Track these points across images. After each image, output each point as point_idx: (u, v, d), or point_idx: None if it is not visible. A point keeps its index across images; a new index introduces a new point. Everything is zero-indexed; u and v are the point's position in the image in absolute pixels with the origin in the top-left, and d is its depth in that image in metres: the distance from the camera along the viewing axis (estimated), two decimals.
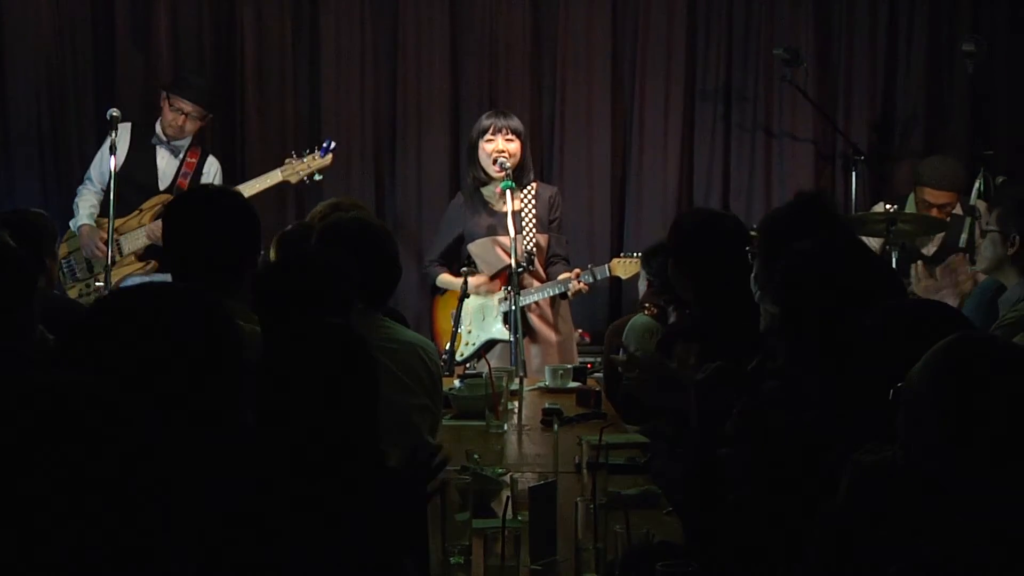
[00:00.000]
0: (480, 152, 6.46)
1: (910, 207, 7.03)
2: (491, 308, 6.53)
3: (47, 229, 5.21)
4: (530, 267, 6.44)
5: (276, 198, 7.45)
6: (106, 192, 6.50)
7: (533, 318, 6.53)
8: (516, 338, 6.06)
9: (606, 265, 6.50)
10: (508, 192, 6.24)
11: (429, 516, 3.34)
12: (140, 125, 6.99)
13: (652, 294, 5.45)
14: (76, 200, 6.91)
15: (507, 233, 6.18)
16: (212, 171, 7.07)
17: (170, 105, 6.90)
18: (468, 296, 6.21)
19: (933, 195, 6.93)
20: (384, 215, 7.81)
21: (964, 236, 6.55)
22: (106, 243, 6.47)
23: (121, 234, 6.72)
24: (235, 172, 7.63)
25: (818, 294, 3.21)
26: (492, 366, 5.78)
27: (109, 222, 6.26)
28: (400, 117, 7.81)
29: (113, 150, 6.35)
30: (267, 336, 3.56)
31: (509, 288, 6.08)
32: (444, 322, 6.56)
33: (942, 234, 6.85)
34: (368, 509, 2.75)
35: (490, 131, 6.46)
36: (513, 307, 6.06)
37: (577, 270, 6.43)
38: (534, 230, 6.50)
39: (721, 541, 2.97)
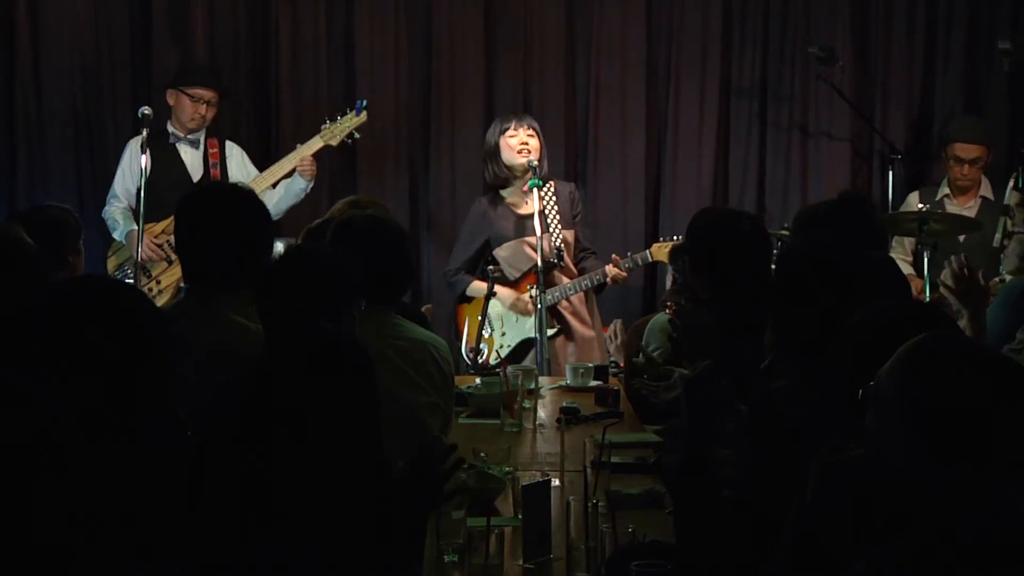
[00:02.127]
0: (503, 148, 6.46)
1: (942, 191, 6.98)
2: (522, 303, 6.52)
3: (70, 225, 5.25)
4: (560, 263, 6.43)
5: (313, 191, 7.51)
6: (137, 197, 6.52)
7: (567, 315, 6.52)
8: (541, 336, 6.08)
9: (647, 251, 6.48)
10: (535, 191, 6.25)
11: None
12: (153, 128, 6.90)
13: (674, 292, 5.43)
14: (108, 218, 6.88)
15: (534, 233, 6.19)
16: (236, 153, 7.08)
17: (190, 98, 6.86)
18: (494, 295, 6.21)
19: (964, 149, 6.93)
20: (418, 213, 7.84)
21: (998, 236, 6.47)
22: (158, 245, 6.54)
23: (169, 235, 6.60)
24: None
25: (808, 291, 3.20)
26: (523, 365, 5.82)
27: (139, 223, 6.30)
28: (434, 115, 7.82)
29: (144, 148, 6.39)
30: (267, 337, 3.59)
31: (538, 306, 6.09)
32: (474, 328, 6.52)
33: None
34: (367, 516, 2.76)
35: (512, 127, 6.47)
36: (540, 306, 6.07)
37: (616, 257, 6.41)
38: (560, 227, 6.49)
39: (711, 538, 2.95)
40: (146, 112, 6.45)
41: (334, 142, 6.88)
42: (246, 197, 4.08)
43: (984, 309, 4.01)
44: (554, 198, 6.52)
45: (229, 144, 7.09)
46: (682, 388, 3.94)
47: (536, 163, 6.33)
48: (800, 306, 3.34)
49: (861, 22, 7.77)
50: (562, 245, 6.46)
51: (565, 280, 6.48)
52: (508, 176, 6.49)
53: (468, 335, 6.44)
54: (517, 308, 6.45)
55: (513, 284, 6.51)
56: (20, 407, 2.47)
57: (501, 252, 6.51)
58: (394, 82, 7.78)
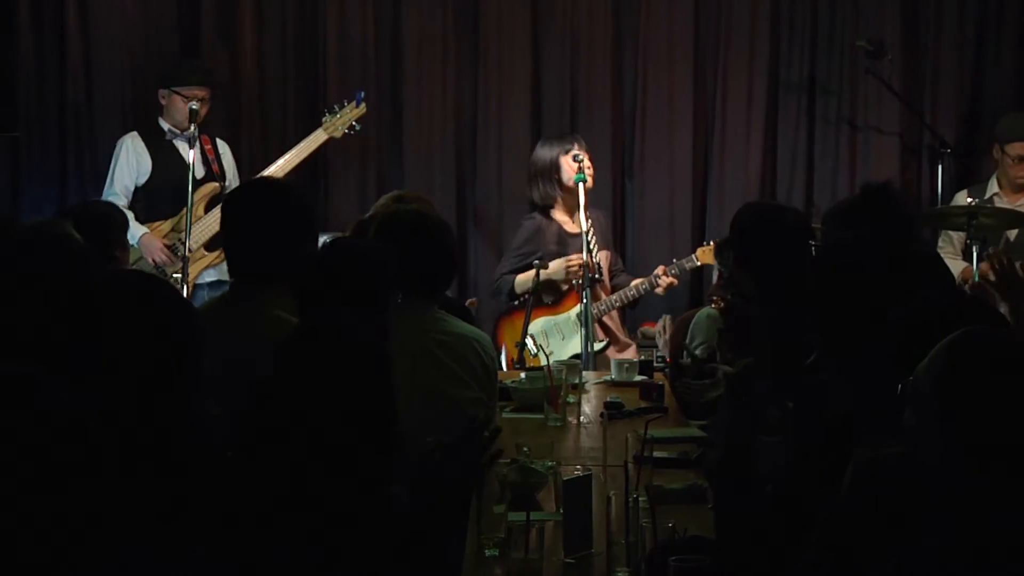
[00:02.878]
0: (564, 167, 6.55)
1: (991, 189, 6.91)
2: (567, 323, 6.55)
3: (116, 220, 5.31)
4: (601, 278, 6.51)
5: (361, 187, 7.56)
6: (137, 195, 6.61)
7: (613, 329, 6.56)
8: (587, 331, 6.09)
9: (693, 255, 6.53)
10: (581, 185, 6.28)
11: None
12: (146, 129, 6.97)
13: (720, 286, 5.41)
14: None
15: (578, 251, 6.33)
16: (228, 153, 7.08)
17: (183, 97, 6.81)
18: (539, 287, 6.22)
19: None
20: (464, 209, 7.85)
21: None
22: (169, 247, 6.57)
23: (179, 232, 6.68)
24: (317, 168, 7.72)
25: (850, 286, 3.18)
26: (568, 360, 5.82)
27: (187, 215, 6.34)
28: (481, 110, 7.82)
29: (192, 143, 6.43)
30: None
31: (583, 301, 6.15)
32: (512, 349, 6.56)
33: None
34: (382, 509, 2.78)
35: (575, 147, 6.56)
36: (585, 300, 6.10)
37: (663, 266, 6.46)
38: (597, 247, 6.52)
39: (751, 534, 2.94)
40: (194, 107, 6.48)
41: (337, 134, 6.93)
42: (292, 192, 4.12)
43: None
44: (589, 220, 6.55)
45: (220, 143, 7.10)
46: (724, 384, 3.93)
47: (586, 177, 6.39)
48: (842, 302, 3.32)
49: (911, 15, 7.70)
50: (601, 263, 6.52)
51: (604, 296, 6.53)
52: (561, 196, 6.53)
53: (507, 354, 6.49)
54: (569, 275, 6.49)
55: (554, 304, 6.58)
56: (52, 406, 2.49)
57: (548, 273, 6.53)
58: (441, 80, 7.79)
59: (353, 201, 7.63)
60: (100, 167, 7.54)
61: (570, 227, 6.64)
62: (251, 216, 3.99)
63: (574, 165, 6.49)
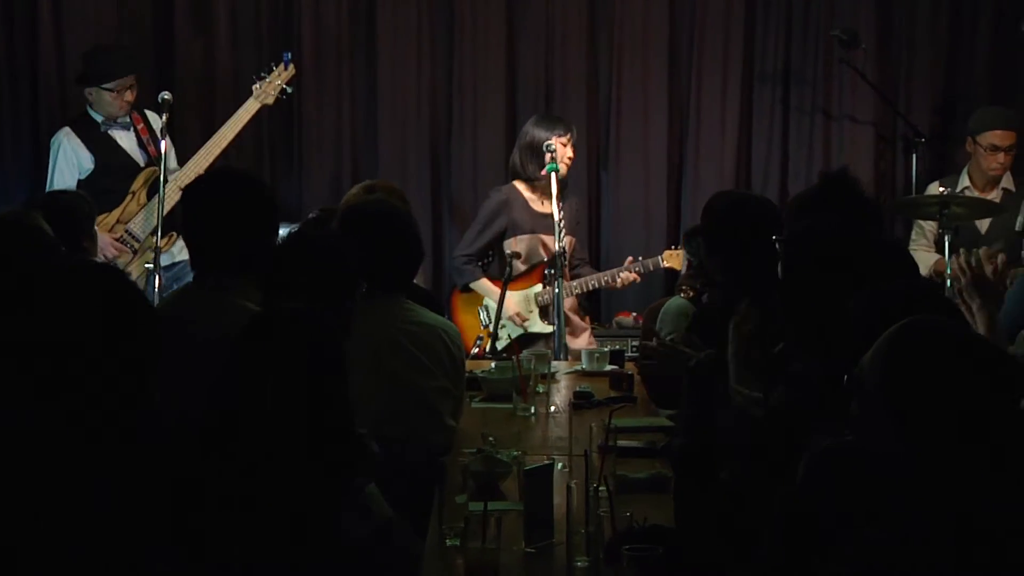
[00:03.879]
0: (558, 150, 6.51)
1: (963, 182, 6.92)
2: (524, 300, 6.57)
3: (83, 210, 5.30)
4: (564, 263, 6.52)
5: (336, 177, 7.54)
6: (79, 188, 6.48)
7: (569, 314, 6.56)
8: (559, 322, 6.10)
9: (659, 256, 6.54)
10: (554, 175, 6.28)
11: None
12: (77, 122, 6.83)
13: (689, 276, 5.41)
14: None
15: (548, 232, 6.36)
16: (155, 119, 6.81)
17: (109, 91, 6.69)
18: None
19: (1001, 136, 6.82)
20: (440, 200, 7.85)
21: (1020, 219, 6.43)
22: (119, 239, 6.51)
23: (125, 223, 6.61)
24: (292, 157, 7.71)
25: (813, 275, 3.19)
26: (537, 350, 5.83)
27: (159, 206, 6.28)
28: (456, 101, 7.80)
29: (164, 133, 6.38)
30: None
31: (545, 283, 6.14)
32: (466, 318, 6.60)
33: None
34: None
35: (569, 136, 6.58)
36: (557, 290, 6.10)
37: (630, 258, 6.46)
38: (563, 232, 6.53)
39: (707, 522, 2.94)
40: (166, 97, 6.42)
41: (269, 101, 6.83)
42: (252, 183, 4.09)
43: (992, 300, 3.98)
44: (560, 204, 6.54)
45: (149, 114, 6.91)
46: (684, 376, 3.93)
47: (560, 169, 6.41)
48: (804, 292, 3.33)
49: (885, 5, 7.70)
50: (565, 248, 6.53)
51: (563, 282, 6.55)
52: (541, 177, 6.52)
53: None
54: (523, 311, 6.54)
55: (521, 276, 6.59)
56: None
57: (515, 245, 6.53)
58: (416, 70, 7.77)
59: (328, 191, 7.61)
60: None
61: (538, 206, 6.64)
62: (213, 207, 3.96)
63: (562, 154, 6.48)
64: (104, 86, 6.72)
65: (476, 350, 6.41)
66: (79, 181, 6.68)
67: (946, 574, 2.01)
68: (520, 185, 6.69)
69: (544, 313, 6.52)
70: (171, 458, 2.60)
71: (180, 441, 2.76)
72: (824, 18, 7.68)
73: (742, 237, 4.47)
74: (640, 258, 6.55)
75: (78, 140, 6.76)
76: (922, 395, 2.11)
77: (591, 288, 6.65)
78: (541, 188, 6.62)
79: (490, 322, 5.98)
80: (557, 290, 6.10)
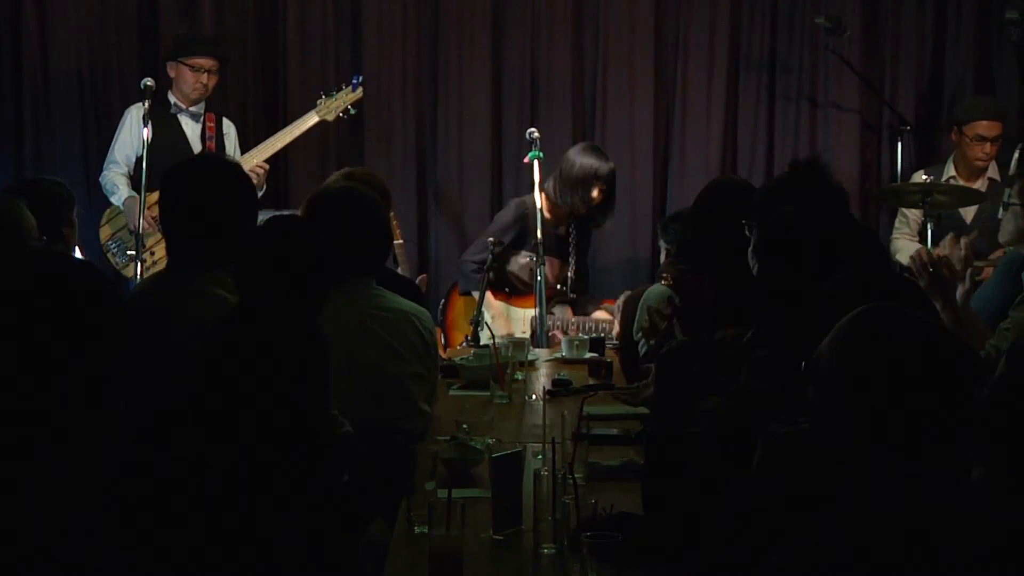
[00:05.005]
0: (596, 190, 6.52)
1: (948, 171, 6.91)
2: (517, 318, 6.56)
3: (64, 198, 5.28)
4: (570, 294, 6.63)
5: (321, 166, 7.53)
6: (138, 166, 6.53)
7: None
8: (540, 309, 6.10)
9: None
10: (536, 162, 6.27)
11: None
12: (156, 99, 6.82)
13: (669, 263, 5.41)
14: (106, 183, 6.85)
15: (554, 255, 6.51)
16: (232, 133, 7.12)
17: (191, 68, 6.85)
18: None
19: (987, 127, 6.82)
20: (425, 186, 7.85)
21: (1001, 211, 6.42)
22: (154, 217, 6.52)
23: None
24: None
25: (788, 263, 3.18)
26: (517, 337, 5.83)
27: (141, 195, 6.29)
28: (441, 88, 7.80)
29: (146, 121, 6.37)
30: None
31: (538, 279, 6.18)
32: (460, 320, 6.64)
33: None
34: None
35: (598, 178, 6.53)
36: (539, 277, 6.10)
37: (608, 302, 6.48)
38: (574, 260, 6.57)
39: (674, 508, 2.95)
40: (148, 84, 6.41)
41: (329, 117, 6.92)
42: (230, 171, 4.08)
43: (951, 300, 3.98)
44: (578, 232, 6.58)
45: (226, 122, 7.11)
46: (655, 363, 3.93)
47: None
48: (776, 280, 3.33)
49: None
50: (572, 276, 6.59)
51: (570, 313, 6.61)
52: (576, 209, 6.55)
53: (449, 332, 6.65)
54: (515, 332, 6.53)
55: (520, 296, 6.60)
56: None
57: (520, 259, 6.50)
58: (402, 56, 7.77)
59: (313, 180, 7.57)
60: (57, 147, 7.54)
61: (551, 227, 6.59)
62: (189, 194, 3.96)
63: (597, 196, 6.50)
64: (183, 60, 6.84)
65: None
66: (137, 157, 6.68)
67: (894, 561, 2.00)
68: (543, 202, 6.52)
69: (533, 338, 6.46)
70: (126, 451, 2.60)
71: (144, 431, 2.76)
72: (810, 5, 7.69)
73: (722, 223, 4.44)
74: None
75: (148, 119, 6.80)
76: (875, 382, 2.10)
77: (570, 332, 6.29)
78: (562, 212, 6.61)
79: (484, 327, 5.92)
80: (540, 277, 6.10)
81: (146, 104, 6.38)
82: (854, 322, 2.17)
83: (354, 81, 6.97)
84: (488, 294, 6.46)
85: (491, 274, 6.26)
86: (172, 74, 6.95)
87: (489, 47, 7.77)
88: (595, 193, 6.51)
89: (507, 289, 6.68)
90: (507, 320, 6.62)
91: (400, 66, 7.77)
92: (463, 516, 2.92)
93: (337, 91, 6.95)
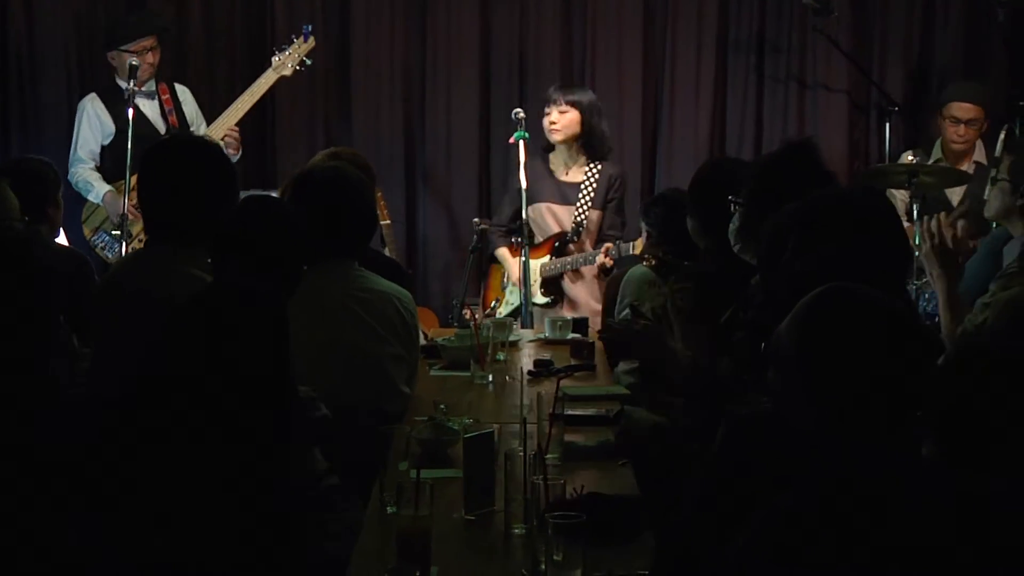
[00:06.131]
0: (544, 121, 6.50)
1: (936, 154, 6.91)
2: (533, 273, 6.55)
3: (50, 178, 5.28)
4: (575, 238, 6.49)
5: (309, 144, 7.51)
6: (104, 156, 6.57)
7: (570, 286, 6.51)
8: (525, 290, 6.10)
9: (632, 243, 6.47)
10: (521, 142, 6.26)
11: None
12: (104, 89, 6.87)
13: (651, 245, 5.39)
14: (78, 182, 6.74)
15: (563, 202, 6.42)
16: (188, 97, 7.02)
17: (134, 53, 6.69)
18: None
19: (961, 108, 6.82)
20: (414, 168, 7.83)
21: (989, 188, 6.41)
22: (135, 205, 6.51)
23: None
24: (265, 123, 7.68)
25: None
26: (500, 318, 5.83)
27: (126, 179, 6.26)
28: (429, 68, 7.78)
29: (131, 100, 6.36)
30: None
31: (552, 255, 6.24)
32: (496, 285, 6.68)
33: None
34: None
35: (547, 104, 6.50)
36: (524, 258, 6.10)
37: (608, 244, 6.41)
38: (588, 205, 6.49)
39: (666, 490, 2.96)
40: (134, 63, 6.41)
41: (287, 72, 6.83)
42: (206, 150, 4.07)
43: (952, 267, 3.99)
44: (595, 176, 6.51)
45: (180, 89, 7.02)
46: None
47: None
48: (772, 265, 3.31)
49: None
50: (584, 222, 6.50)
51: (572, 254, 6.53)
52: (547, 144, 6.56)
53: (486, 297, 6.67)
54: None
55: (534, 247, 6.48)
56: None
57: (532, 213, 6.50)
58: (390, 37, 7.75)
59: (301, 158, 7.55)
60: (44, 125, 7.52)
61: (561, 176, 6.57)
62: (167, 172, 3.95)
63: (546, 125, 6.48)
64: (123, 48, 6.74)
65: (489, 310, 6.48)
66: (103, 147, 6.70)
67: (853, 541, 2.00)
68: (550, 154, 6.58)
69: (545, 285, 6.46)
70: (97, 422, 2.61)
71: (113, 403, 2.77)
72: None
73: (711, 203, 4.40)
74: (618, 243, 6.44)
75: (102, 106, 6.79)
76: (834, 362, 2.10)
77: (562, 269, 6.46)
78: (562, 160, 6.58)
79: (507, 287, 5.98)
80: (524, 258, 6.11)
81: (131, 83, 6.37)
82: (813, 302, 2.17)
83: (305, 31, 6.86)
84: (505, 252, 6.55)
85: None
86: (114, 63, 6.85)
87: (477, 27, 7.75)
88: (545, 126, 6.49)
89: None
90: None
91: (388, 46, 7.75)
92: (433, 496, 2.93)
93: (288, 45, 6.85)
